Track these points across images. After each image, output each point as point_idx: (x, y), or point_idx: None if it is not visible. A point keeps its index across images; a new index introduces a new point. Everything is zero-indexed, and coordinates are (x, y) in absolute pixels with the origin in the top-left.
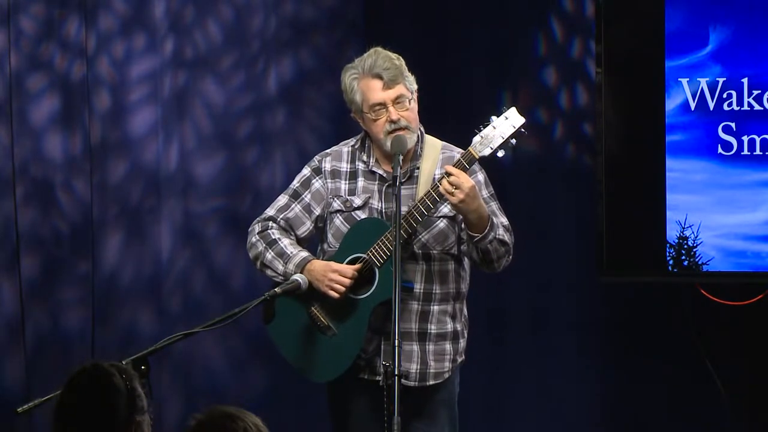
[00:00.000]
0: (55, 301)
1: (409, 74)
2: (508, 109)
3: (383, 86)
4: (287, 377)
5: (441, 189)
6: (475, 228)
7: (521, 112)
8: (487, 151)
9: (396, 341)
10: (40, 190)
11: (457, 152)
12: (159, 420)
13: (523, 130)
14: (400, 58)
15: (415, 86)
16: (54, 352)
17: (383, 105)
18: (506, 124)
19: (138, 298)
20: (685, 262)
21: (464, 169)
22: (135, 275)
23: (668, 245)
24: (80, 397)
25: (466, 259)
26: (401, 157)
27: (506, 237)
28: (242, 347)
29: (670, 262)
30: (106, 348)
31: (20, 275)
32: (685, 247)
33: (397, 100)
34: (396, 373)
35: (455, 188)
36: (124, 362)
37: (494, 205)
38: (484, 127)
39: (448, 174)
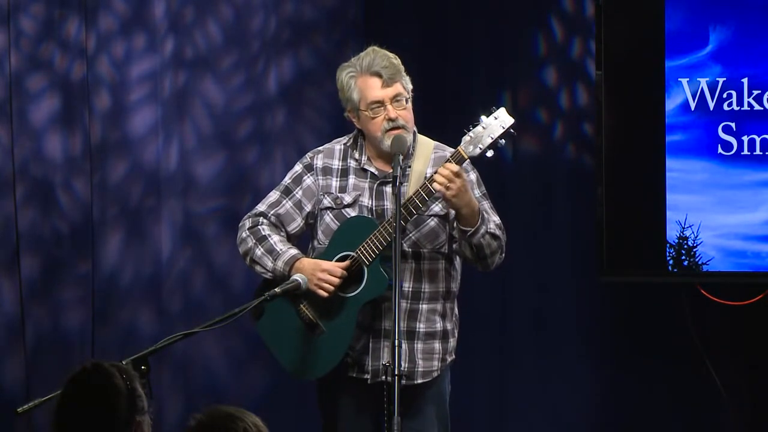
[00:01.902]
0: (55, 301)
1: (406, 74)
2: (497, 108)
3: (382, 84)
4: (287, 377)
5: (435, 185)
6: (467, 222)
7: (516, 114)
8: (476, 151)
9: (396, 341)
10: (40, 190)
11: (449, 152)
12: (159, 420)
13: (512, 130)
14: (397, 57)
15: (410, 86)
16: (54, 352)
17: (381, 103)
18: (496, 124)
19: (138, 298)
20: (685, 262)
21: None
22: (135, 275)
23: (668, 245)
24: (80, 397)
25: (457, 257)
26: (401, 157)
27: (498, 232)
28: (242, 347)
29: (670, 262)
30: (106, 348)
31: (20, 275)
32: (685, 247)
33: (396, 99)
34: (396, 372)
35: (449, 182)
36: (124, 362)
37: (486, 204)
38: (474, 127)
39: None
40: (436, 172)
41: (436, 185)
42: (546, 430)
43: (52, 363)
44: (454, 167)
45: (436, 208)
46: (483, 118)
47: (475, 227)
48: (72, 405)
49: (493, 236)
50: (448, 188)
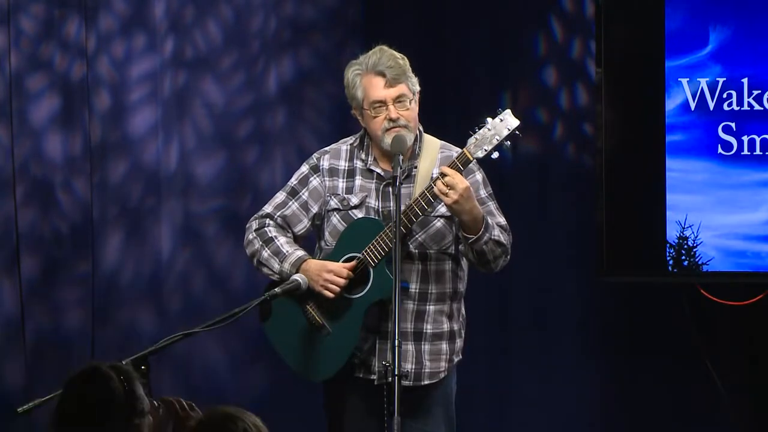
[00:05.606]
0: (55, 301)
1: (413, 75)
2: (503, 110)
3: (385, 84)
4: (287, 377)
5: (435, 189)
6: (470, 229)
7: (516, 114)
8: (481, 153)
9: (396, 341)
10: (40, 190)
11: (455, 152)
12: None
13: (518, 132)
14: (405, 58)
15: (417, 87)
16: (54, 352)
17: (383, 103)
18: (501, 125)
19: (138, 298)
20: (685, 262)
21: (459, 170)
22: (135, 275)
23: (668, 245)
24: (77, 401)
25: (464, 258)
26: (401, 157)
27: (503, 237)
28: (242, 347)
29: (670, 262)
30: (106, 348)
31: (20, 275)
32: (685, 247)
33: (398, 99)
34: (396, 372)
35: (449, 189)
36: (123, 362)
37: (492, 205)
38: (479, 129)
39: (443, 174)
40: (440, 175)
41: (436, 190)
42: (546, 429)
43: (52, 363)
44: (449, 179)
45: (443, 209)
46: (488, 119)
47: (477, 235)
48: (69, 409)
49: (497, 243)
50: (447, 195)
